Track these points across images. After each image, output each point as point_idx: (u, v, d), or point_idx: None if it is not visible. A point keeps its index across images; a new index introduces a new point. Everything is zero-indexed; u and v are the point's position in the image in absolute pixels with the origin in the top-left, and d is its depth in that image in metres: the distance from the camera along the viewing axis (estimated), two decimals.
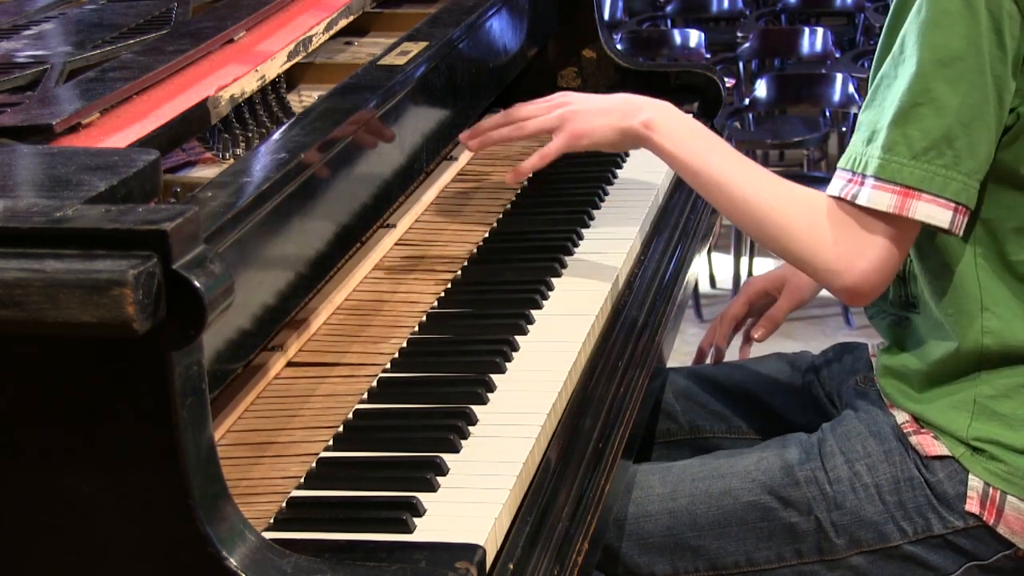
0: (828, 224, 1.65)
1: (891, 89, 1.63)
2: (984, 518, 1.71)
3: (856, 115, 5.32)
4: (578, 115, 1.79)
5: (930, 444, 1.74)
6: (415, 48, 2.05)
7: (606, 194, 2.20)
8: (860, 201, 1.62)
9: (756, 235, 1.74)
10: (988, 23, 1.58)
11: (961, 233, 1.62)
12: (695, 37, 6.10)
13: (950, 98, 1.59)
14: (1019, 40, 1.60)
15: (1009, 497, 1.71)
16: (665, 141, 1.75)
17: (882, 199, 1.61)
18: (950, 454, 1.73)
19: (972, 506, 1.71)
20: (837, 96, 5.32)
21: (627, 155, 2.38)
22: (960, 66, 1.58)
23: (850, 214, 1.64)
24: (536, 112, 1.83)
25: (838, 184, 1.66)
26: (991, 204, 1.67)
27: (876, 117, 1.64)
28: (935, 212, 1.60)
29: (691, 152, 1.74)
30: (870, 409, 1.83)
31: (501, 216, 2.12)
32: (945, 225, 1.61)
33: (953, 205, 1.60)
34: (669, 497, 1.80)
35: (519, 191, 2.22)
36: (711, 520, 1.78)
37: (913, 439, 1.75)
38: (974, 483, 1.72)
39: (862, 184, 1.62)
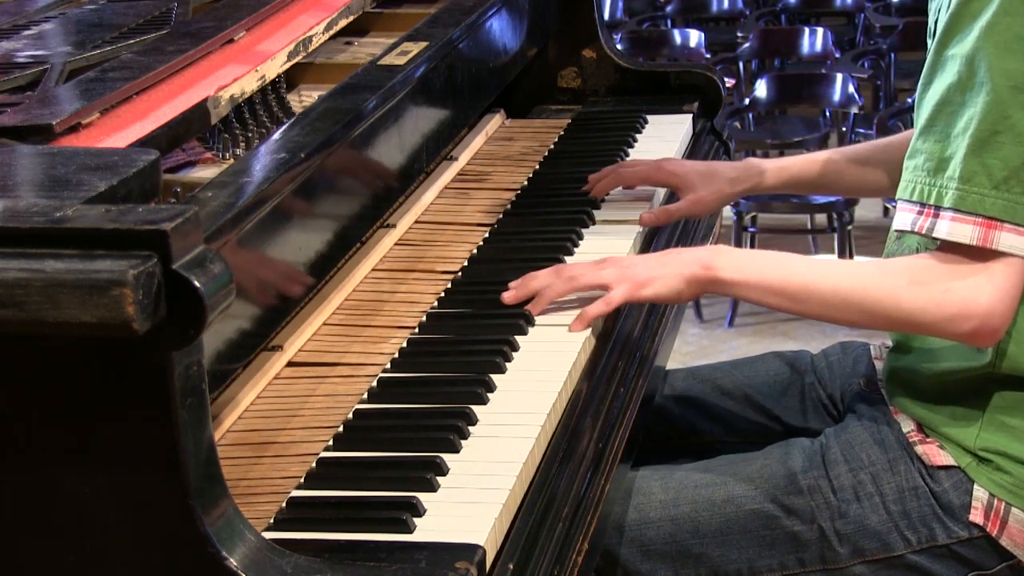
0: (934, 277, 1.61)
1: (959, 116, 1.59)
2: (988, 529, 1.70)
3: (856, 115, 5.37)
4: (635, 267, 1.75)
5: (936, 453, 1.73)
6: (415, 48, 2.05)
7: (606, 194, 2.19)
8: (939, 234, 1.58)
9: (865, 321, 1.68)
10: None
11: None
12: (695, 37, 6.10)
13: None
14: None
15: (1013, 509, 1.70)
16: (733, 274, 1.70)
17: (963, 231, 1.57)
18: (956, 464, 1.72)
19: (976, 516, 1.70)
20: (837, 96, 5.32)
21: (626, 155, 2.38)
22: None
23: (953, 260, 1.60)
24: (587, 270, 1.77)
25: (907, 218, 1.61)
26: None
27: (942, 146, 1.60)
28: (1017, 241, 1.57)
29: (763, 273, 1.70)
30: (875, 416, 1.82)
31: (501, 216, 2.12)
32: (1023, 253, 1.58)
33: None
34: (671, 504, 1.79)
35: (519, 191, 2.22)
36: (714, 528, 1.77)
37: (919, 448, 1.74)
38: (979, 494, 1.71)
39: (937, 216, 1.59)
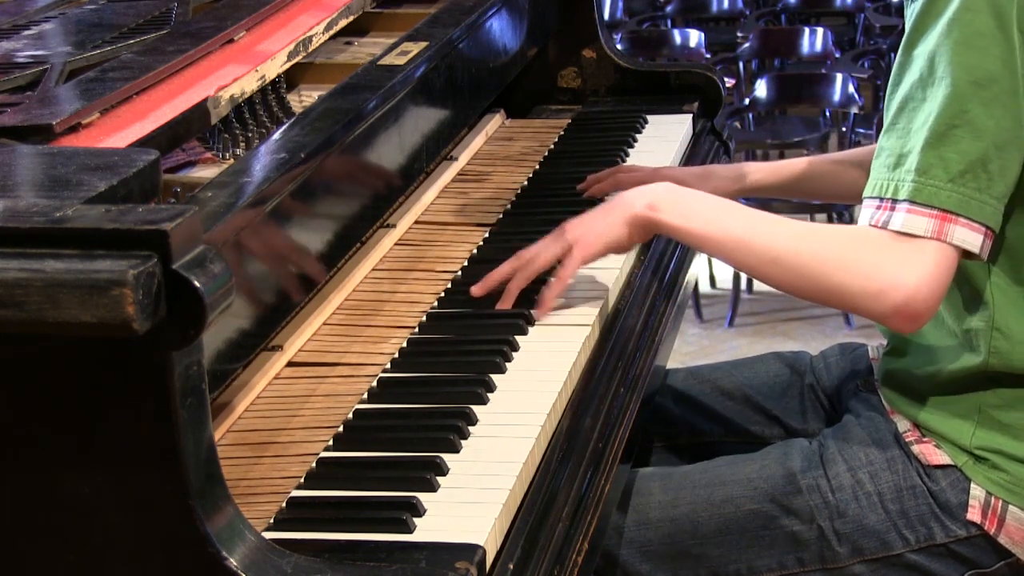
0: (868, 250, 1.59)
1: (919, 112, 1.59)
2: (985, 527, 1.71)
3: (856, 115, 5.36)
4: (581, 227, 1.76)
5: (932, 453, 1.74)
6: (415, 48, 2.05)
7: (606, 194, 2.19)
8: (894, 226, 1.58)
9: (797, 287, 1.66)
10: (1022, 44, 1.56)
11: (986, 257, 1.60)
12: (695, 37, 6.10)
13: (986, 120, 1.56)
14: None
15: (1011, 507, 1.70)
16: (675, 218, 1.70)
17: (918, 223, 1.56)
18: (952, 463, 1.72)
19: (973, 515, 1.71)
20: (837, 96, 5.32)
21: (626, 155, 2.38)
22: (995, 88, 1.56)
23: (889, 237, 1.59)
24: (541, 247, 1.79)
25: (867, 213, 1.61)
26: (1012, 225, 1.65)
27: (902, 142, 1.60)
28: (970, 237, 1.56)
29: (704, 221, 1.69)
30: (872, 415, 1.82)
31: (501, 216, 2.12)
32: (976, 249, 1.57)
33: (984, 229, 1.57)
34: (670, 504, 1.80)
35: (519, 191, 2.22)
36: (713, 528, 1.78)
37: (915, 448, 1.75)
38: (976, 492, 1.71)
39: (893, 209, 1.58)
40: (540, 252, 1.79)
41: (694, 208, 1.71)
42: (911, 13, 1.64)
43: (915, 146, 1.58)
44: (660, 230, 1.74)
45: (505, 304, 1.78)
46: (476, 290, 1.80)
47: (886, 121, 1.65)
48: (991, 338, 1.68)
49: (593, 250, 1.75)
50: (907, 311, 1.58)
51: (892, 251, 1.58)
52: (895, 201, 1.58)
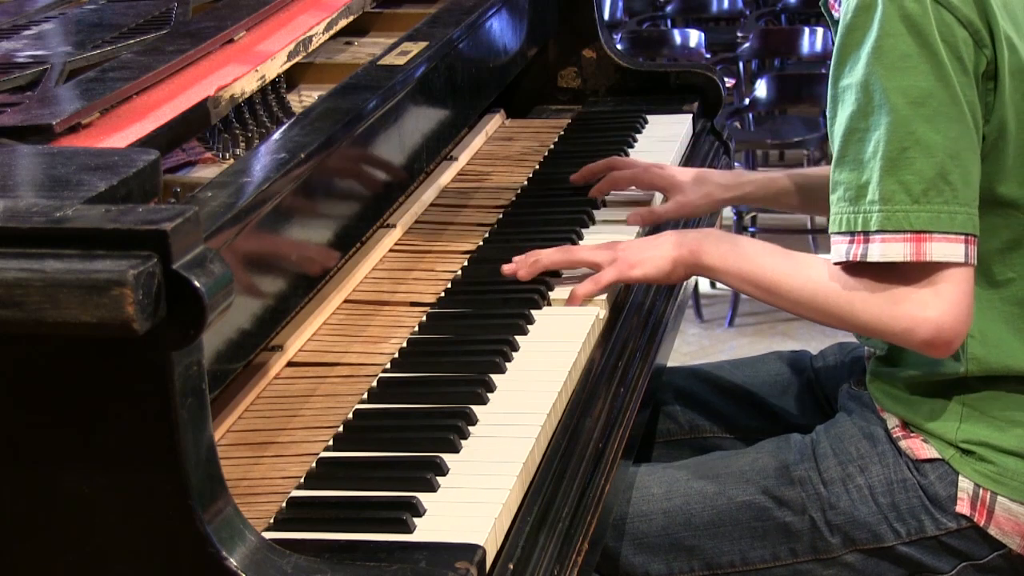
0: (881, 290, 1.63)
1: (866, 142, 1.62)
2: (975, 519, 1.72)
3: None
4: (629, 249, 1.81)
5: (920, 447, 1.75)
6: (415, 48, 2.05)
7: (604, 194, 2.19)
8: (872, 258, 1.61)
9: (826, 321, 1.72)
10: (947, 53, 1.59)
11: (975, 263, 1.62)
12: (695, 37, 6.10)
13: (934, 136, 1.59)
14: (975, 61, 1.61)
15: (999, 498, 1.72)
16: (715, 261, 1.77)
17: (895, 250, 1.60)
18: (940, 456, 1.74)
19: (963, 507, 1.72)
20: None
21: (626, 155, 2.38)
22: (934, 102, 1.59)
23: (894, 275, 1.63)
24: (590, 251, 1.84)
25: (840, 249, 1.64)
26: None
27: (857, 174, 1.63)
28: (949, 249, 1.59)
29: (742, 263, 1.75)
30: (863, 412, 1.84)
31: (501, 216, 2.12)
32: (960, 259, 1.60)
33: (963, 237, 1.60)
34: (664, 497, 1.81)
35: (519, 191, 2.22)
36: (706, 520, 1.79)
37: (903, 443, 1.76)
38: (964, 484, 1.72)
39: (867, 241, 1.61)
40: (587, 255, 1.84)
41: (732, 252, 1.77)
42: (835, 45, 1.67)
43: (872, 176, 1.61)
44: (701, 271, 1.80)
45: (527, 273, 1.83)
46: (507, 269, 1.85)
47: (834, 155, 1.67)
48: (967, 343, 1.69)
49: (630, 275, 1.81)
50: (938, 342, 1.62)
51: (905, 289, 1.62)
52: (867, 233, 1.62)
